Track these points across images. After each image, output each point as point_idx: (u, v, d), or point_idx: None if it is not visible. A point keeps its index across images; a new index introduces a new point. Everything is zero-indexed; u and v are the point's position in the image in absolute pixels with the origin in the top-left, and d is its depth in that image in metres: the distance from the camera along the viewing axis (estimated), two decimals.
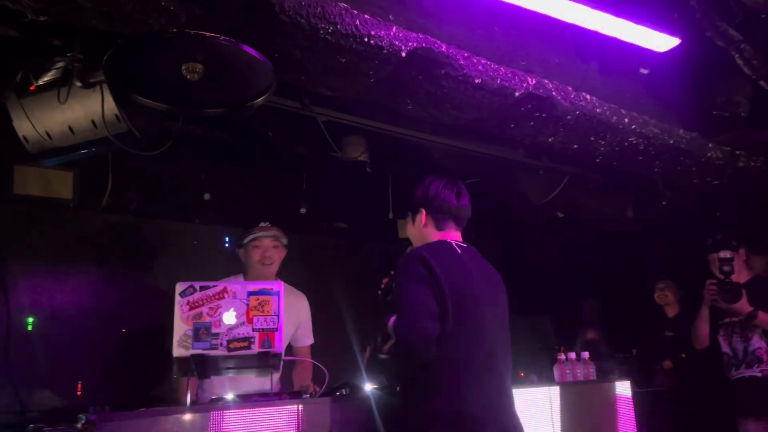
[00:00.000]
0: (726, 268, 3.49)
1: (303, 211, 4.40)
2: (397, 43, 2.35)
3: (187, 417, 1.95)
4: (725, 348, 3.70)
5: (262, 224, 3.10)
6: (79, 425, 1.93)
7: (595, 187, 4.11)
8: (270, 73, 2.14)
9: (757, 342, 3.53)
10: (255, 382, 2.77)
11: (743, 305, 3.48)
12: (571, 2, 2.41)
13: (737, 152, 3.66)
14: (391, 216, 4.18)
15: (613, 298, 5.21)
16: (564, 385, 3.09)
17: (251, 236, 3.09)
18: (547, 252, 5.09)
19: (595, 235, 4.89)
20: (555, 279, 5.14)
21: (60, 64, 2.31)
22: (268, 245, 3.08)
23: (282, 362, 2.53)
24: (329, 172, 3.96)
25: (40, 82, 2.40)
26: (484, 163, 3.64)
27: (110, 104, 2.33)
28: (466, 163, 3.66)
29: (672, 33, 2.73)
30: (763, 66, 3.15)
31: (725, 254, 3.50)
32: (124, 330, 3.88)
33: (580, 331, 5.17)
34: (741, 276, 3.64)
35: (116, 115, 2.35)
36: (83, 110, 2.38)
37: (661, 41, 2.76)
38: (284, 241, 3.15)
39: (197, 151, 3.77)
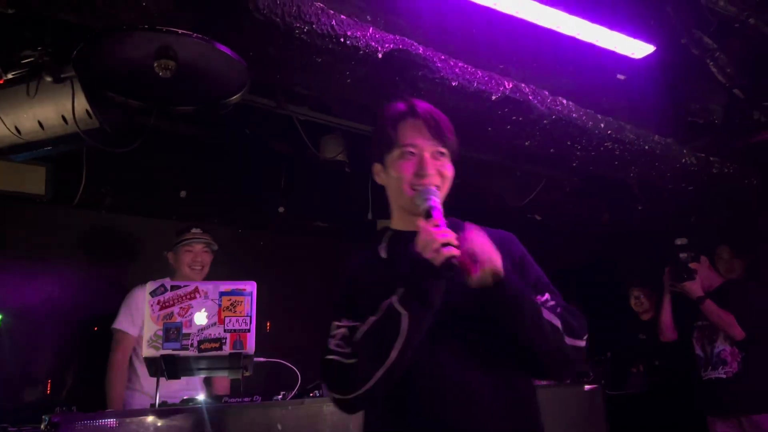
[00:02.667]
0: (682, 255, 3.58)
1: (281, 209, 4.38)
2: (373, 44, 2.34)
3: (150, 419, 1.92)
4: (698, 350, 3.75)
5: (194, 230, 3.25)
6: (42, 426, 1.90)
7: (572, 191, 4.15)
8: (244, 71, 2.12)
9: (721, 344, 3.59)
10: (181, 383, 2.73)
11: (694, 287, 3.55)
12: (547, 7, 2.42)
13: (711, 158, 3.71)
14: (370, 216, 4.17)
15: (590, 301, 5.26)
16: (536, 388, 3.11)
17: (184, 241, 3.22)
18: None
19: (571, 237, 4.93)
20: None
21: (29, 58, 2.27)
22: (199, 250, 3.22)
23: (253, 363, 2.51)
24: (307, 172, 3.95)
25: (9, 76, 2.36)
26: (461, 164, 3.64)
27: (81, 100, 2.29)
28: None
29: (647, 40, 2.76)
30: (737, 74, 3.20)
31: (681, 241, 3.59)
32: (96, 328, 3.83)
33: None
34: (711, 281, 3.70)
35: (87, 111, 2.31)
36: (53, 105, 2.34)
37: (636, 48, 2.78)
38: (214, 247, 3.30)
39: (173, 147, 3.72)
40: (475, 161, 3.57)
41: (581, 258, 5.13)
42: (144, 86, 2.21)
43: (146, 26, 1.93)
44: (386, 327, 1.28)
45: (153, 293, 2.40)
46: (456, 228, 1.33)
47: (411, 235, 1.37)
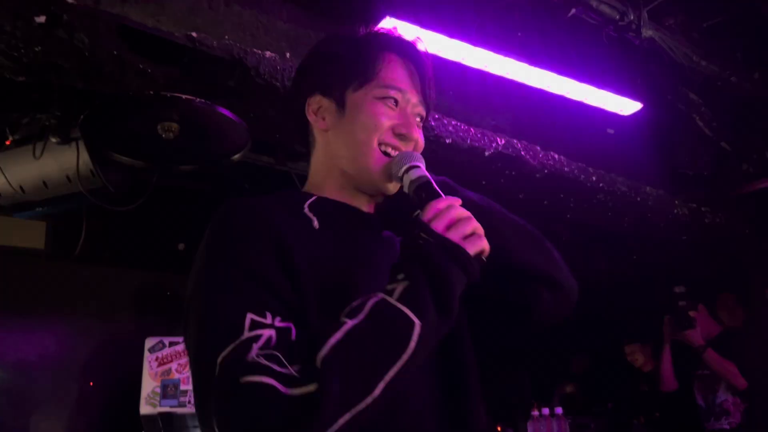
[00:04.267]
0: (681, 303, 3.59)
1: None
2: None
3: None
4: (699, 400, 3.73)
5: None
6: None
7: (568, 242, 4.19)
8: (244, 132, 2.19)
9: (722, 394, 3.57)
10: None
11: (695, 335, 3.55)
12: (537, 68, 2.51)
13: (702, 209, 3.77)
14: None
15: (590, 351, 5.24)
16: None
17: None
18: None
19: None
20: (532, 332, 5.15)
21: (37, 121, 2.35)
22: None
23: None
24: None
25: (16, 137, 2.43)
26: None
27: (85, 160, 2.36)
28: None
29: (634, 97, 2.85)
30: (723, 128, 3.29)
31: (680, 289, 3.62)
32: (92, 383, 3.80)
33: (558, 385, 5.16)
34: (710, 330, 3.71)
35: (91, 171, 2.38)
36: (58, 165, 2.41)
37: (624, 105, 2.88)
38: None
39: (172, 200, 3.78)
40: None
41: (580, 307, 5.13)
42: (147, 147, 2.28)
43: (151, 92, 2.01)
44: (380, 338, 0.80)
45: (151, 350, 2.42)
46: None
47: (350, 210, 1.03)
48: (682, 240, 4.00)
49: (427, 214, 0.89)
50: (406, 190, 0.98)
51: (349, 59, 1.04)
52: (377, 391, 0.77)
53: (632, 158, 3.47)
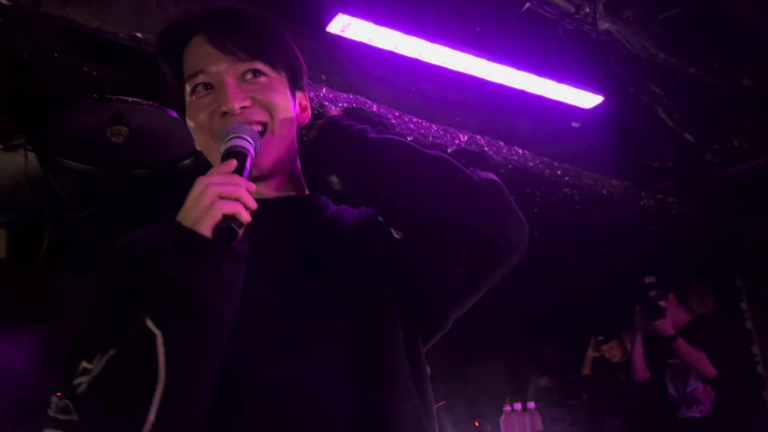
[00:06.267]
0: (651, 293, 3.63)
1: None
2: (327, 103, 2.38)
3: None
4: (671, 389, 3.76)
5: None
6: None
7: (538, 236, 4.20)
8: None
9: (693, 382, 3.60)
10: None
11: (665, 325, 3.58)
12: (496, 64, 2.50)
13: (669, 200, 3.80)
14: None
15: (564, 343, 5.27)
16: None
17: None
18: (498, 299, 5.13)
19: (543, 281, 4.96)
20: (506, 325, 5.18)
21: None
22: None
23: None
24: None
25: None
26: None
27: (35, 167, 2.29)
28: None
29: (595, 90, 2.85)
30: (685, 119, 3.31)
31: (650, 279, 3.65)
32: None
33: (533, 378, 5.19)
34: (680, 318, 3.74)
35: (41, 178, 2.32)
36: (7, 173, 2.34)
37: (585, 98, 2.87)
38: None
39: (135, 207, 3.70)
40: None
41: (554, 301, 5.16)
42: (97, 152, 2.22)
43: (96, 95, 1.96)
44: (131, 363, 0.71)
45: None
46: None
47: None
48: (650, 231, 4.02)
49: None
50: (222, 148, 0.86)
51: (162, 77, 0.95)
52: (151, 417, 0.68)
53: (597, 151, 3.48)
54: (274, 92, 0.91)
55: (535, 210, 3.58)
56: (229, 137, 0.83)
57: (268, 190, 0.95)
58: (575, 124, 3.31)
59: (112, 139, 2.10)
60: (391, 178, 0.85)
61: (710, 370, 3.52)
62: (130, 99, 1.96)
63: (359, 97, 2.50)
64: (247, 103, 0.88)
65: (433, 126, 2.73)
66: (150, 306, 0.71)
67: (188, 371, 0.71)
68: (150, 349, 0.69)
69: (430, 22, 2.40)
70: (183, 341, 0.70)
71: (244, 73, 0.90)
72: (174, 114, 2.05)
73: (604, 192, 3.45)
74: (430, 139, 2.72)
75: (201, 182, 0.75)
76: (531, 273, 4.80)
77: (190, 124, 0.92)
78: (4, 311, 3.68)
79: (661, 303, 3.71)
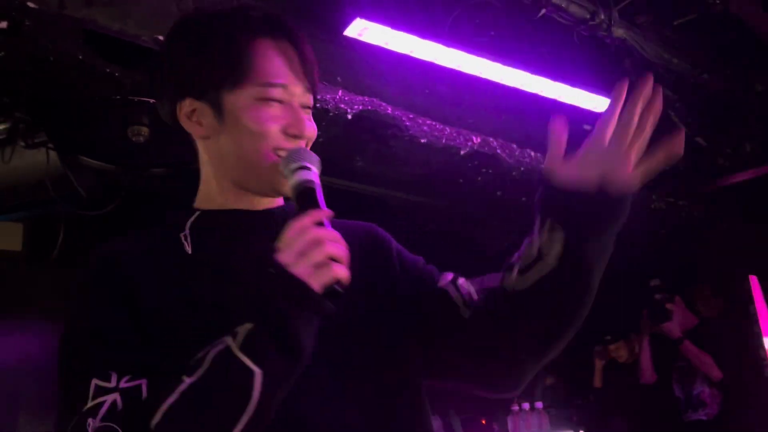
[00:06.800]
0: (657, 296, 3.64)
1: None
2: (342, 106, 2.42)
3: None
4: (677, 392, 3.78)
5: None
6: None
7: None
8: None
9: (699, 385, 3.62)
10: None
11: (672, 328, 3.59)
12: (509, 68, 2.52)
13: (680, 203, 3.81)
14: None
15: (573, 344, 5.28)
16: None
17: None
18: None
19: None
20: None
21: (5, 125, 2.32)
22: None
23: None
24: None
25: None
26: (439, 213, 3.71)
27: (55, 164, 2.34)
28: (421, 213, 3.73)
29: (608, 95, 2.86)
30: (698, 124, 3.32)
31: (656, 282, 3.67)
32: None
33: (540, 377, 5.20)
34: (687, 321, 3.76)
35: (62, 176, 2.36)
36: (28, 170, 2.39)
37: (598, 103, 2.89)
38: None
39: (150, 202, 3.75)
40: (452, 211, 3.63)
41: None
42: (117, 151, 2.27)
43: (118, 97, 2.00)
44: (218, 396, 0.72)
45: None
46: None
47: (237, 216, 0.91)
48: (660, 233, 4.03)
49: (282, 239, 0.77)
50: (289, 194, 0.86)
51: (216, 53, 0.88)
52: None
53: None
54: (314, 132, 0.94)
55: None
56: (301, 165, 0.85)
57: (268, 204, 0.96)
58: (587, 127, 3.32)
59: (133, 139, 2.14)
60: None
61: (716, 374, 3.54)
62: (151, 100, 2.00)
63: (374, 100, 2.54)
64: (309, 133, 0.92)
65: (447, 128, 2.76)
66: (246, 343, 0.72)
67: (272, 407, 0.74)
68: (246, 385, 0.71)
69: (446, 26, 2.43)
70: (278, 380, 0.74)
71: (302, 105, 0.91)
72: None
73: None
74: (444, 141, 2.75)
75: (311, 231, 0.76)
76: None
77: (240, 118, 0.88)
78: (19, 305, 3.73)
79: (668, 305, 3.72)
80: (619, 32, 2.34)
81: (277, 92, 0.88)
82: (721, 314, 3.95)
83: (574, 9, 2.22)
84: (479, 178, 3.08)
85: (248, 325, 0.73)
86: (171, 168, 2.39)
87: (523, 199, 3.43)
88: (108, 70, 2.01)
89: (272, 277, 0.74)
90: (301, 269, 0.74)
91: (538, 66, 2.62)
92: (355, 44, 2.39)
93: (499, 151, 2.90)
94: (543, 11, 2.16)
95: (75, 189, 2.41)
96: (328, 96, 2.40)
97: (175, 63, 0.92)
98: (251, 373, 0.71)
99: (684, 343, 3.58)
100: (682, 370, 3.75)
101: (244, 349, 0.72)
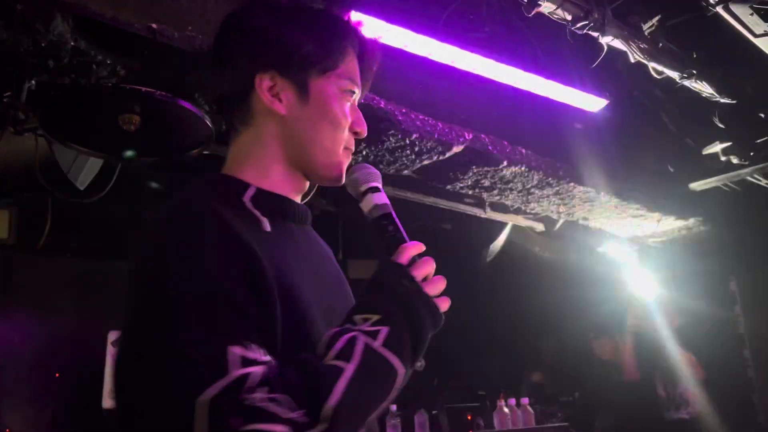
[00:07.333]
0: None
1: None
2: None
3: None
4: (660, 390, 3.83)
5: None
6: None
7: (540, 233, 4.24)
8: (207, 125, 2.17)
9: (683, 385, 3.67)
10: None
11: (657, 327, 3.65)
12: (504, 65, 2.53)
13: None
14: (341, 256, 4.21)
15: (560, 341, 5.32)
16: None
17: None
18: (493, 297, 5.17)
19: (540, 279, 5.01)
20: (501, 323, 5.22)
21: None
22: None
23: None
24: None
25: None
26: (431, 209, 3.72)
27: (45, 151, 2.31)
28: (412, 208, 3.74)
29: (600, 94, 2.88)
30: (687, 125, 3.35)
31: None
32: (57, 375, 3.76)
33: (526, 374, 5.24)
34: (671, 321, 3.81)
35: (51, 163, 2.34)
36: (17, 156, 2.36)
37: (590, 101, 2.91)
38: None
39: (139, 191, 3.73)
40: (444, 208, 3.64)
41: (554, 299, 5.20)
42: (108, 139, 2.25)
43: (110, 84, 1.98)
44: (374, 387, 0.78)
45: (115, 343, 2.39)
46: None
47: (291, 206, 0.95)
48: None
49: (402, 257, 0.86)
50: (364, 209, 0.94)
51: (316, 40, 0.93)
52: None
53: (599, 152, 3.51)
54: None
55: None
56: (374, 186, 0.95)
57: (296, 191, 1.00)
58: (578, 126, 3.34)
59: (124, 127, 2.12)
60: None
61: (699, 373, 3.59)
62: (143, 89, 1.98)
63: (367, 93, 2.53)
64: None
65: (439, 123, 2.76)
66: (389, 342, 0.79)
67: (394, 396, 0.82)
68: (393, 382, 0.79)
69: (441, 22, 2.43)
70: (407, 378, 0.83)
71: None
72: (186, 105, 2.08)
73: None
74: (436, 136, 2.75)
75: (431, 263, 0.88)
76: (528, 270, 4.86)
77: (327, 105, 0.94)
78: (4, 293, 3.70)
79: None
80: (612, 31, 2.35)
81: (356, 91, 0.98)
82: (705, 315, 4.00)
83: (568, 7, 2.23)
84: (470, 174, 3.09)
85: (386, 327, 0.80)
86: (161, 157, 2.37)
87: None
88: (100, 57, 1.99)
89: (408, 287, 0.84)
90: (433, 293, 0.86)
91: (532, 64, 2.63)
92: None
93: (490, 147, 2.91)
94: (536, 9, 2.16)
95: (64, 176, 2.39)
96: None
97: (266, 36, 0.93)
98: (396, 373, 0.79)
99: (668, 342, 3.63)
100: (665, 369, 3.80)
101: (390, 348, 0.79)
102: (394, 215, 0.92)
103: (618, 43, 2.45)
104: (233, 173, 0.94)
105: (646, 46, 2.50)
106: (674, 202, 3.71)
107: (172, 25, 2.03)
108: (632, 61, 2.52)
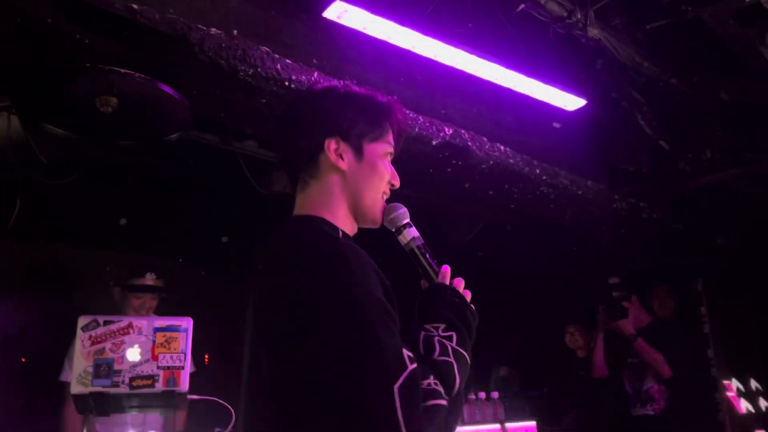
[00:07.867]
0: (615, 294, 3.75)
1: (225, 239, 4.36)
2: (318, 87, 2.39)
3: None
4: (628, 387, 3.91)
5: (148, 275, 3.10)
6: None
7: (513, 231, 4.28)
8: (186, 110, 2.14)
9: (649, 382, 3.75)
10: (159, 420, 2.70)
11: (626, 325, 3.71)
12: (485, 61, 2.54)
13: (641, 204, 3.91)
14: None
15: (529, 336, 5.39)
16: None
17: (135, 287, 3.08)
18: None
19: (511, 274, 5.06)
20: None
21: None
22: (148, 297, 3.11)
23: (187, 401, 2.47)
24: (254, 205, 3.94)
25: None
26: (406, 201, 3.73)
27: (17, 130, 2.26)
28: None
29: (579, 94, 2.92)
30: (662, 127, 3.41)
31: (614, 279, 3.78)
32: (24, 359, 3.68)
33: (494, 368, 5.29)
34: (640, 319, 3.88)
35: (23, 142, 2.29)
36: None
37: (569, 101, 2.94)
38: (164, 293, 3.19)
39: (112, 175, 3.66)
40: (422, 202, 3.66)
41: (523, 294, 5.26)
42: (84, 120, 2.20)
43: (88, 65, 1.94)
44: (463, 369, 1.16)
45: (84, 328, 2.35)
46: None
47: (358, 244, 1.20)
48: (620, 232, 4.14)
49: (446, 279, 1.25)
50: (402, 241, 1.27)
51: (371, 117, 1.26)
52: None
53: (576, 152, 3.56)
54: None
55: (512, 206, 3.65)
56: (407, 223, 1.27)
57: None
58: (557, 125, 3.38)
59: (101, 109, 2.08)
60: None
61: (666, 371, 3.67)
62: (122, 70, 1.95)
63: (349, 83, 2.52)
64: None
65: (420, 117, 2.76)
66: (459, 341, 1.17)
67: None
68: (468, 365, 1.17)
69: (425, 15, 2.43)
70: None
71: None
72: (165, 88, 2.05)
73: (580, 192, 3.53)
74: (417, 130, 2.76)
75: (468, 294, 1.26)
76: (498, 265, 4.90)
77: (375, 164, 1.24)
78: None
79: (624, 303, 3.84)
80: (594, 32, 2.38)
81: (390, 150, 1.28)
82: (673, 315, 4.08)
83: (552, 6, 2.25)
84: (449, 170, 3.10)
85: (454, 332, 1.17)
86: (139, 141, 2.33)
87: (490, 192, 3.48)
88: (78, 36, 1.94)
89: (458, 302, 1.22)
90: (472, 311, 1.24)
91: (514, 61, 2.64)
92: (334, 26, 2.37)
93: (470, 143, 2.92)
94: (522, 6, 2.18)
95: (36, 156, 2.34)
96: (303, 77, 2.37)
97: (334, 111, 1.24)
98: (468, 359, 1.17)
99: (637, 340, 3.69)
100: (633, 366, 3.88)
101: (463, 347, 1.17)
102: (425, 245, 1.28)
103: (599, 43, 2.48)
104: (312, 213, 1.21)
105: (627, 47, 2.53)
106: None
107: (154, 7, 2.00)
108: (613, 60, 2.55)
